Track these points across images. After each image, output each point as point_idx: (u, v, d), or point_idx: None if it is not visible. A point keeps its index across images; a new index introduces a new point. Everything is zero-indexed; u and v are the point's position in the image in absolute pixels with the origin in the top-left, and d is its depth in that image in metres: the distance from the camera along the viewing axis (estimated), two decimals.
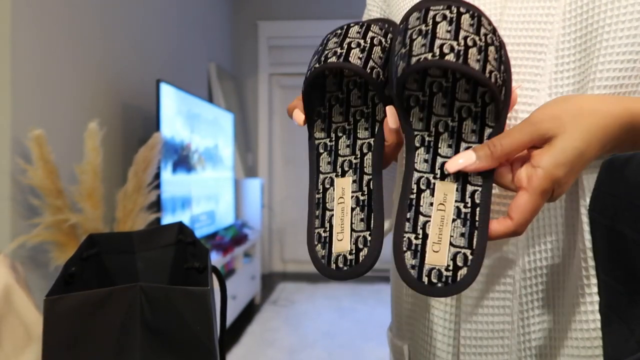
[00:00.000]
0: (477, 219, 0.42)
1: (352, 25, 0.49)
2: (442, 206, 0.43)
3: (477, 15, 0.42)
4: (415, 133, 0.45)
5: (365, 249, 0.44)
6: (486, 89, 0.44)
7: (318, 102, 0.51)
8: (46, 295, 0.45)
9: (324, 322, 3.09)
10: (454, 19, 0.41)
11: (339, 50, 0.46)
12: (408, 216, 0.44)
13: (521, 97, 0.50)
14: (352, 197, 0.47)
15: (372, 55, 0.46)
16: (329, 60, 0.45)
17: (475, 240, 0.42)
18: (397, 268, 0.43)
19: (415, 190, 0.44)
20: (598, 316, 0.49)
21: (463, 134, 0.44)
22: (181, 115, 2.50)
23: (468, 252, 0.42)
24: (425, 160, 0.45)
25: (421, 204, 0.44)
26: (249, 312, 3.30)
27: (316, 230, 0.47)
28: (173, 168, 2.38)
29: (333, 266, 0.45)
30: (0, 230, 1.55)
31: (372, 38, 0.47)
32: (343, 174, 0.48)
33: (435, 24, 0.41)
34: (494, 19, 0.51)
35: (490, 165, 0.42)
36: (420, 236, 0.43)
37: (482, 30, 0.42)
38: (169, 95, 2.31)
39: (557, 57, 0.49)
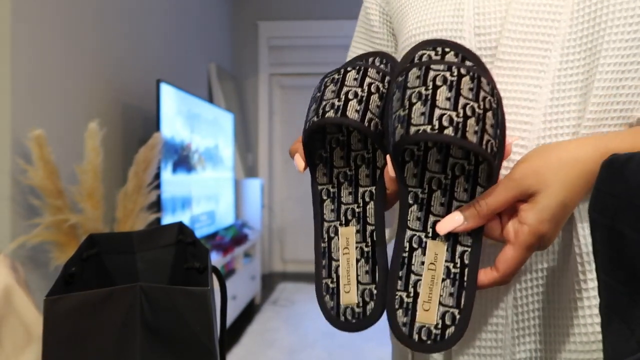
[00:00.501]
0: (465, 279, 0.44)
1: (349, 70, 0.48)
2: (432, 266, 0.45)
3: (477, 77, 0.43)
4: (409, 189, 0.46)
5: (372, 302, 0.46)
6: None
7: (319, 144, 0.51)
8: (46, 295, 0.45)
9: (324, 322, 3.09)
10: (454, 83, 0.42)
11: (336, 103, 0.46)
12: (400, 274, 0.45)
13: (523, 93, 0.50)
14: (356, 247, 0.48)
15: (370, 106, 0.46)
16: (326, 115, 0.46)
17: (463, 300, 0.43)
18: (389, 324, 0.45)
19: (407, 249, 0.46)
20: (595, 317, 0.50)
21: (455, 192, 0.46)
22: (181, 116, 2.50)
23: (456, 311, 0.43)
24: (418, 218, 0.46)
25: (413, 262, 0.45)
26: (249, 312, 3.30)
27: (324, 281, 0.49)
28: (173, 168, 2.38)
29: (342, 318, 0.47)
30: (0, 230, 1.55)
31: (370, 85, 0.47)
32: (347, 223, 0.49)
33: (435, 88, 0.42)
34: (500, 15, 0.51)
35: (478, 224, 0.44)
36: (412, 295, 0.45)
37: (481, 94, 0.42)
38: (169, 95, 2.31)
39: (562, 55, 0.49)
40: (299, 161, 0.50)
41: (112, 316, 0.46)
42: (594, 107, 0.48)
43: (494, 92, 0.44)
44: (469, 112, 0.41)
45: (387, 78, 0.49)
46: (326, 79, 0.50)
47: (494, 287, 0.49)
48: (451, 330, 0.43)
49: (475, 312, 0.54)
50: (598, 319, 0.50)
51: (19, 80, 1.58)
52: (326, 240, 0.49)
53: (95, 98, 2.06)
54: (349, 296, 0.47)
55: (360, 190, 0.50)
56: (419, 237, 0.46)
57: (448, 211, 0.46)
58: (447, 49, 0.47)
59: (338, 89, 0.47)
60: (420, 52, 0.47)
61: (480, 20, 0.52)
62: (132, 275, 0.63)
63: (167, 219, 2.25)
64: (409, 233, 0.46)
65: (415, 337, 0.44)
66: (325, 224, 0.50)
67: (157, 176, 2.10)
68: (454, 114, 0.41)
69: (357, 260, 0.48)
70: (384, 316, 0.46)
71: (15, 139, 1.56)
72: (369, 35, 0.69)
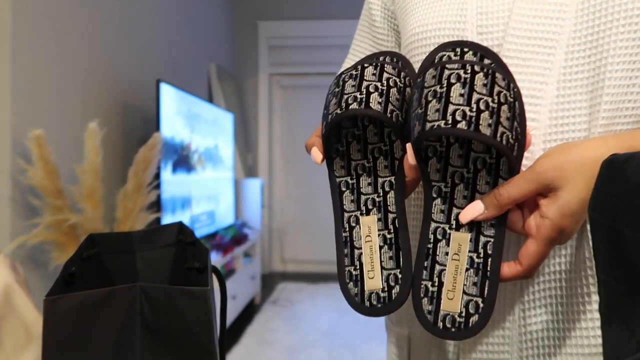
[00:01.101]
0: (488, 269, 0.45)
1: (366, 66, 0.50)
2: (456, 256, 0.46)
3: (491, 73, 0.44)
4: (433, 184, 0.48)
5: (397, 287, 0.47)
6: None
7: (335, 139, 0.52)
8: (46, 295, 0.45)
9: (324, 322, 3.09)
10: (468, 80, 0.43)
11: (358, 96, 0.47)
12: (425, 264, 0.47)
13: (529, 90, 0.51)
14: (379, 235, 0.49)
15: (390, 98, 0.48)
16: (350, 107, 0.47)
17: (486, 289, 0.45)
18: (415, 312, 0.46)
19: (432, 240, 0.47)
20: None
21: (478, 185, 0.47)
22: (181, 115, 2.50)
23: (479, 300, 0.45)
24: (442, 211, 0.47)
25: (437, 253, 0.47)
26: (249, 312, 3.30)
27: (347, 269, 0.49)
28: (173, 168, 2.38)
29: (367, 304, 0.48)
30: (0, 230, 1.55)
31: (388, 79, 0.49)
32: (367, 212, 0.50)
33: (449, 85, 0.43)
34: (504, 14, 0.52)
35: (498, 213, 0.44)
36: (437, 284, 0.46)
37: (496, 89, 0.43)
38: (169, 95, 2.31)
39: (567, 53, 0.50)
40: (317, 154, 0.51)
41: (111, 316, 0.46)
42: (607, 105, 0.48)
43: (510, 86, 0.44)
44: (482, 107, 0.42)
45: (403, 73, 0.50)
46: (343, 75, 0.51)
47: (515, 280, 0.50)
48: (475, 318, 0.44)
49: None
50: None
51: (19, 80, 1.58)
52: (347, 229, 0.50)
53: (95, 98, 2.06)
54: (374, 282, 0.48)
55: (380, 180, 0.51)
56: (443, 228, 0.47)
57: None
58: (465, 49, 0.48)
59: (358, 83, 0.48)
60: (440, 54, 0.49)
61: (483, 19, 0.53)
62: (132, 275, 0.63)
63: (167, 219, 2.25)
64: (433, 225, 0.47)
65: (440, 324, 0.45)
66: (346, 215, 0.51)
67: (157, 176, 2.10)
68: (467, 108, 0.42)
69: (380, 247, 0.49)
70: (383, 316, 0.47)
71: (15, 139, 1.56)
72: (371, 31, 0.69)
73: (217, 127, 3.14)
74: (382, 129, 0.52)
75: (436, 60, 0.49)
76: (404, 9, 0.62)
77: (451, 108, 0.42)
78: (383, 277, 0.48)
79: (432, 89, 0.44)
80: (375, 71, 0.49)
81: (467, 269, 0.46)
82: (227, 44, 4.25)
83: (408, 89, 0.50)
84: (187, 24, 3.20)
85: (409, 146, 0.47)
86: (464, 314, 0.45)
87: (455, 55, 0.48)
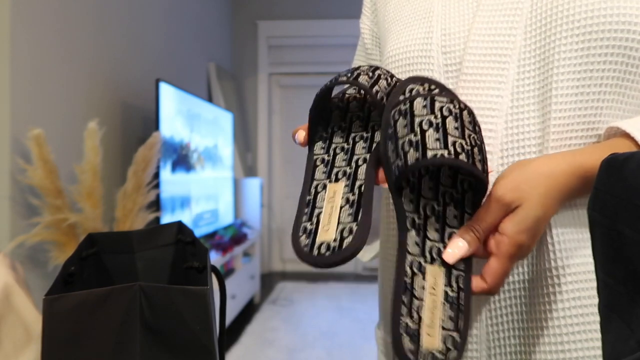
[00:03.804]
0: (461, 302, 0.46)
1: (362, 67, 0.53)
2: (433, 290, 0.47)
3: (472, 112, 0.47)
4: (407, 214, 0.49)
5: (350, 237, 0.46)
6: (465, 177, 0.49)
7: (322, 129, 0.55)
8: (45, 294, 0.45)
9: (323, 322, 3.09)
10: (458, 115, 0.46)
11: (349, 75, 0.51)
12: (404, 300, 0.47)
13: (486, 103, 0.55)
14: (342, 197, 0.49)
15: (379, 83, 0.51)
16: (340, 79, 0.50)
17: (461, 322, 0.46)
18: (395, 351, 0.46)
19: (409, 274, 0.48)
20: (570, 327, 0.52)
21: (447, 218, 0.49)
22: (181, 115, 2.50)
23: (456, 334, 0.45)
24: (417, 244, 0.48)
25: (415, 287, 0.47)
26: (249, 312, 3.30)
27: (303, 224, 0.48)
28: (172, 167, 2.38)
29: (315, 252, 0.46)
30: None
31: (379, 75, 0.52)
32: (336, 180, 0.51)
33: (444, 117, 0.45)
34: (463, 35, 0.56)
35: (476, 248, 0.47)
36: (417, 320, 0.46)
37: (477, 127, 0.46)
38: (168, 94, 2.31)
39: (519, 67, 0.53)
40: (301, 133, 0.53)
41: (111, 315, 0.46)
42: (557, 113, 0.51)
43: (480, 129, 0.48)
44: (472, 142, 0.45)
45: (394, 78, 0.54)
46: (340, 72, 0.54)
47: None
48: (454, 354, 0.45)
49: None
50: (572, 329, 0.52)
51: (19, 80, 1.58)
52: (312, 194, 0.51)
53: (94, 97, 2.05)
54: (327, 234, 0.47)
55: (355, 157, 0.52)
56: (419, 262, 0.48)
57: (442, 236, 0.48)
58: (432, 87, 0.52)
59: (351, 71, 0.52)
60: (410, 86, 0.52)
61: (446, 40, 0.58)
62: (131, 275, 0.63)
63: (166, 219, 2.24)
64: (409, 258, 0.48)
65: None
66: (315, 182, 0.52)
67: (157, 175, 2.10)
68: (463, 142, 0.45)
69: (342, 207, 0.48)
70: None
71: (14, 139, 1.56)
72: (365, 53, 0.75)
73: (216, 127, 3.14)
74: (367, 122, 0.54)
75: (407, 93, 0.51)
76: (383, 32, 0.67)
77: (450, 139, 0.44)
78: (338, 230, 0.47)
79: (426, 118, 0.46)
80: (369, 69, 0.52)
81: (443, 304, 0.46)
82: (227, 43, 4.25)
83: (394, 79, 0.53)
84: (186, 24, 3.20)
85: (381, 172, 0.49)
86: (444, 351, 0.45)
87: (424, 89, 0.51)
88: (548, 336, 0.53)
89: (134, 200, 1.74)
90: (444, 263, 0.47)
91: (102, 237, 0.62)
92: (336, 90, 0.57)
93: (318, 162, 0.53)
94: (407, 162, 0.45)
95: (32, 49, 1.65)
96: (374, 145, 0.52)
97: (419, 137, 0.45)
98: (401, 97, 0.50)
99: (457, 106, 0.46)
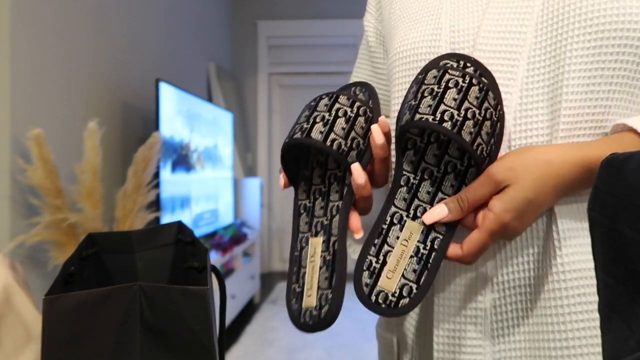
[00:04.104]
0: (430, 261, 0.48)
1: (323, 97, 0.54)
2: (405, 242, 0.50)
3: (485, 90, 0.48)
4: (404, 172, 0.52)
5: (327, 306, 0.49)
6: None
7: (303, 164, 0.57)
8: (45, 294, 0.45)
9: None
10: (464, 89, 0.48)
11: (305, 126, 0.52)
12: (375, 242, 0.50)
13: None
14: (321, 256, 0.52)
15: (335, 128, 0.51)
16: (294, 137, 0.52)
17: (423, 278, 0.48)
18: (354, 282, 0.50)
19: (388, 222, 0.51)
20: (574, 315, 0.52)
21: (443, 185, 0.51)
22: (180, 115, 2.50)
23: (414, 286, 0.48)
24: (404, 199, 0.51)
25: (389, 235, 0.50)
26: (248, 312, 3.30)
27: (292, 285, 0.52)
28: (172, 167, 2.38)
29: (302, 320, 0.50)
30: None
31: (338, 110, 0.53)
32: (316, 234, 0.54)
33: (446, 88, 0.48)
34: (472, 31, 0.57)
35: (458, 218, 0.49)
36: (380, 262, 0.50)
37: (485, 105, 0.48)
38: (168, 94, 2.31)
39: (529, 64, 0.54)
40: (282, 179, 0.56)
41: (111, 315, 0.46)
42: (567, 111, 0.51)
43: (497, 107, 0.49)
44: (469, 115, 0.46)
45: (358, 104, 0.54)
46: (305, 106, 0.56)
47: (463, 269, 0.56)
48: (405, 301, 0.48)
49: (455, 305, 0.57)
50: (577, 325, 0.52)
51: (18, 80, 1.58)
52: (299, 249, 0.54)
53: (94, 97, 2.05)
54: (310, 300, 0.50)
55: (330, 204, 0.54)
56: (401, 215, 0.51)
57: (432, 200, 0.51)
58: (468, 64, 0.53)
59: (309, 114, 0.53)
60: (444, 61, 0.53)
61: (455, 36, 0.58)
62: (131, 275, 0.63)
63: (166, 219, 2.24)
64: (392, 209, 0.51)
65: (373, 298, 0.49)
66: (300, 235, 0.55)
67: (156, 175, 2.10)
68: (455, 112, 0.46)
69: (320, 268, 0.51)
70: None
71: (14, 138, 1.56)
72: (368, 53, 0.75)
73: (216, 127, 3.14)
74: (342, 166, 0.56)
75: (440, 64, 0.53)
76: (389, 31, 0.67)
77: (442, 107, 0.47)
78: (318, 296, 0.50)
79: (430, 86, 0.48)
80: (328, 102, 0.53)
81: (411, 256, 0.49)
82: (227, 43, 4.25)
83: (361, 118, 0.53)
84: (186, 24, 3.20)
85: (354, 166, 0.50)
86: (396, 295, 0.48)
87: (458, 65, 0.52)
88: (553, 332, 0.53)
89: (134, 200, 1.74)
90: (424, 223, 0.50)
91: (102, 237, 0.62)
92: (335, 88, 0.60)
93: (302, 210, 0.56)
94: (399, 123, 0.50)
95: (32, 49, 1.65)
96: (346, 188, 0.53)
97: (417, 102, 0.48)
98: (425, 69, 0.53)
99: (467, 81, 0.48)
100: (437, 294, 0.58)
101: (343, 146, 0.51)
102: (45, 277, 1.67)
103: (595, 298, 0.52)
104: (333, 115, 0.52)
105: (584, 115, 0.52)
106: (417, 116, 0.47)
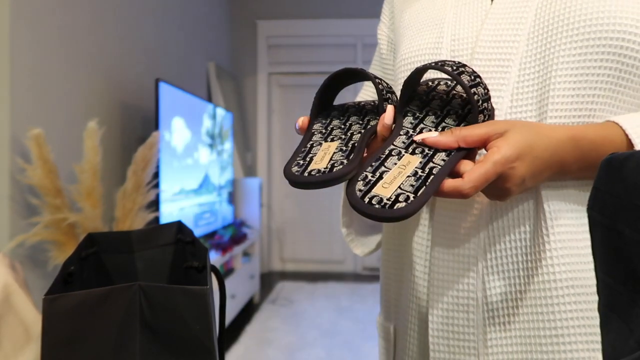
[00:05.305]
0: (428, 180, 0.48)
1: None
2: (402, 167, 0.50)
3: (476, 75, 0.53)
4: (409, 109, 0.56)
5: (341, 166, 0.51)
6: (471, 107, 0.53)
7: (322, 117, 0.60)
8: (45, 294, 0.45)
9: (323, 321, 3.10)
10: (459, 67, 0.53)
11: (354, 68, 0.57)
12: (373, 164, 0.51)
13: None
14: (336, 148, 0.54)
15: (382, 80, 0.58)
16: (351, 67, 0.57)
17: (421, 191, 0.47)
18: (346, 189, 0.50)
19: (386, 154, 0.52)
20: (566, 296, 0.55)
21: (445, 123, 0.54)
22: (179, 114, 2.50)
23: (412, 195, 0.47)
24: (403, 142, 0.53)
25: (387, 161, 0.51)
26: (248, 311, 3.30)
27: (297, 159, 0.54)
28: None
29: (306, 174, 0.51)
30: None
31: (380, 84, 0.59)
32: (332, 140, 0.56)
33: (443, 64, 0.53)
34: (471, 41, 0.62)
35: (447, 143, 0.50)
36: (376, 177, 0.50)
37: (477, 80, 0.53)
38: (168, 94, 2.31)
39: (520, 69, 0.58)
40: (302, 118, 0.59)
41: (111, 315, 0.46)
42: (553, 113, 0.55)
43: (487, 90, 0.54)
44: (466, 72, 0.52)
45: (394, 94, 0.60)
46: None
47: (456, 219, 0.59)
48: (401, 205, 0.46)
49: (449, 294, 0.60)
50: (568, 315, 0.55)
51: (18, 80, 1.58)
52: (308, 147, 0.55)
53: (94, 97, 2.05)
54: (319, 164, 0.52)
55: (349, 131, 0.57)
56: (399, 150, 0.52)
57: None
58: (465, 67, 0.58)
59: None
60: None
61: (455, 45, 0.62)
62: (131, 275, 0.63)
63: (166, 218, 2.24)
64: (391, 147, 0.52)
65: (366, 200, 0.47)
66: (311, 142, 0.56)
67: (156, 175, 2.09)
68: (455, 65, 0.52)
69: (334, 152, 0.53)
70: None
71: (14, 138, 1.56)
72: (380, 59, 0.81)
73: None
74: (363, 118, 0.59)
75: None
76: (398, 37, 0.73)
77: (461, 69, 0.52)
78: (329, 162, 0.52)
79: (432, 65, 0.54)
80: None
81: (408, 176, 0.49)
82: (226, 43, 4.25)
83: (394, 96, 0.59)
84: (186, 24, 3.20)
85: (390, 107, 0.54)
86: (392, 200, 0.47)
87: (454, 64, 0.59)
88: (542, 321, 0.56)
89: (133, 199, 1.74)
90: (424, 157, 0.50)
91: (102, 237, 0.62)
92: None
93: (316, 132, 0.58)
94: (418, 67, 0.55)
95: (32, 49, 1.65)
96: (369, 125, 0.57)
97: (423, 65, 0.54)
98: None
99: (460, 66, 0.53)
100: (431, 281, 0.61)
101: (387, 94, 0.57)
102: (45, 277, 1.67)
103: (585, 286, 0.55)
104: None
105: (569, 118, 0.55)
106: (432, 63, 0.53)
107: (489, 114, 0.53)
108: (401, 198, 0.47)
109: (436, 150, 0.51)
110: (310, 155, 0.54)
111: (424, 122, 0.54)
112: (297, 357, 2.56)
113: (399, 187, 0.48)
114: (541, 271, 0.55)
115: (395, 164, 0.50)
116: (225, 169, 3.33)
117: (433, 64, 0.53)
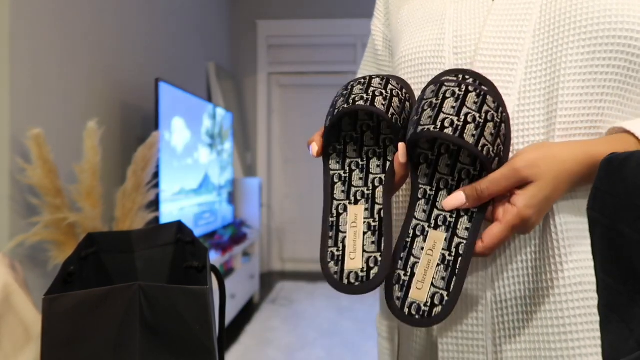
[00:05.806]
0: (457, 267, 0.50)
1: (373, 77, 0.57)
2: (430, 252, 0.51)
3: (483, 94, 0.50)
4: (420, 186, 0.54)
5: (376, 268, 0.51)
6: None
7: (334, 139, 0.58)
8: (45, 294, 0.45)
9: (323, 321, 3.09)
10: (461, 97, 0.49)
11: (365, 95, 0.54)
12: (402, 256, 0.52)
13: None
14: (364, 222, 0.54)
15: (392, 104, 0.54)
16: (357, 103, 0.53)
17: (452, 284, 0.49)
18: (385, 296, 0.51)
19: (411, 235, 0.52)
20: (572, 310, 0.55)
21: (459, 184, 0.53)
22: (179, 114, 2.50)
23: (445, 293, 0.49)
24: (424, 211, 0.53)
25: (414, 247, 0.52)
26: (248, 311, 3.30)
27: (329, 249, 0.53)
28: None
29: (345, 281, 0.51)
30: None
31: (392, 90, 0.55)
32: (356, 202, 0.55)
33: (444, 99, 0.50)
34: (475, 37, 0.60)
35: (476, 205, 0.50)
36: (409, 274, 0.51)
37: (485, 108, 0.49)
38: (168, 94, 2.31)
39: (527, 67, 0.57)
40: (315, 146, 0.56)
41: (111, 315, 0.46)
42: (563, 111, 0.54)
43: (499, 109, 0.51)
44: (469, 119, 0.48)
45: (405, 90, 0.57)
46: (352, 82, 0.57)
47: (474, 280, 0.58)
48: (438, 309, 0.49)
49: (456, 308, 0.60)
50: (575, 312, 0.55)
51: (18, 80, 1.58)
52: (335, 215, 0.55)
53: (94, 97, 2.05)
54: (355, 262, 0.52)
55: (371, 176, 0.56)
56: (422, 226, 0.52)
57: None
58: (467, 76, 0.54)
59: (366, 88, 0.55)
60: (444, 77, 0.55)
61: (458, 41, 0.61)
62: (130, 274, 0.63)
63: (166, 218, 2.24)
64: (414, 222, 0.53)
65: (406, 310, 0.50)
66: (335, 202, 0.56)
67: (156, 175, 2.09)
68: (455, 118, 0.48)
69: (364, 233, 0.53)
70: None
71: (14, 138, 1.56)
72: (375, 56, 0.79)
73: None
74: (378, 135, 0.58)
75: (438, 80, 0.55)
76: (396, 34, 0.71)
77: (441, 116, 0.49)
78: (364, 259, 0.52)
79: (429, 100, 0.51)
80: (381, 82, 0.55)
81: (438, 264, 0.50)
82: (226, 43, 4.25)
83: (407, 103, 0.56)
84: (186, 23, 3.20)
85: (401, 145, 0.53)
86: (429, 304, 0.49)
87: (456, 78, 0.54)
88: (551, 319, 0.56)
89: (133, 199, 1.74)
90: (447, 229, 0.51)
91: (102, 237, 0.62)
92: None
93: (335, 179, 0.57)
94: (407, 138, 0.52)
95: (32, 49, 1.65)
96: (388, 163, 0.56)
97: (418, 116, 0.51)
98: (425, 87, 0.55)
99: (464, 89, 0.50)
100: None
101: (399, 122, 0.55)
102: (45, 276, 1.67)
103: (592, 287, 0.55)
104: (389, 93, 0.55)
105: (579, 117, 0.54)
106: (420, 128, 0.49)
107: (502, 152, 0.51)
108: (436, 300, 0.49)
109: (458, 214, 0.52)
110: (341, 236, 0.53)
111: (437, 204, 0.53)
112: (297, 357, 2.56)
113: (432, 284, 0.50)
114: (549, 269, 0.56)
115: (422, 248, 0.51)
116: (225, 169, 3.33)
117: (430, 131, 0.49)
